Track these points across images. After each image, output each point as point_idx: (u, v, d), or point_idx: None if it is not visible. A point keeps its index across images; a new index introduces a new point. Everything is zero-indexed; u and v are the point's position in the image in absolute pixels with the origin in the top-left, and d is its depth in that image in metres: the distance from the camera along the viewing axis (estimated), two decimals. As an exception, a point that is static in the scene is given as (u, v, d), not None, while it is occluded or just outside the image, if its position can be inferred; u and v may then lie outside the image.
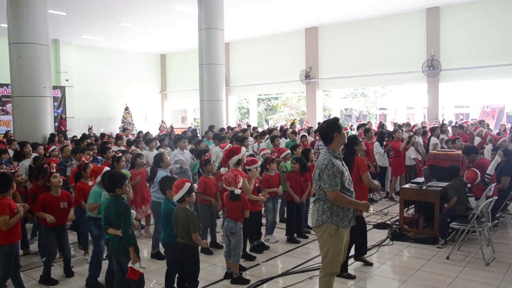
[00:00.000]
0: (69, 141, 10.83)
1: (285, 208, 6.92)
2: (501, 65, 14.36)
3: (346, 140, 4.03)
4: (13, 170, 6.09)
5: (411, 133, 10.30)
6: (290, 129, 11.95)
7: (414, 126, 11.06)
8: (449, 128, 11.56)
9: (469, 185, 6.12)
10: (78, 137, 11.61)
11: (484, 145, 9.80)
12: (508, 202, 7.06)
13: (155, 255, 5.78)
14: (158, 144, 9.39)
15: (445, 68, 15.48)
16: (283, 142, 9.94)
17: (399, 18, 16.62)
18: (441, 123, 12.80)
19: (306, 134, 10.41)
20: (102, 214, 4.25)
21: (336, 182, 3.56)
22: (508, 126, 15.11)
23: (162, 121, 22.61)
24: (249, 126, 14.91)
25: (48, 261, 5.06)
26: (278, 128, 13.34)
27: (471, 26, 15.03)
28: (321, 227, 3.70)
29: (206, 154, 6.50)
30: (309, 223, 7.03)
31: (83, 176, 5.61)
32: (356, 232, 4.68)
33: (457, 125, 12.08)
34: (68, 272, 5.21)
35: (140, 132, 13.43)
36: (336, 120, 3.78)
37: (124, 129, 14.46)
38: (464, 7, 15.17)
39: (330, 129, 3.69)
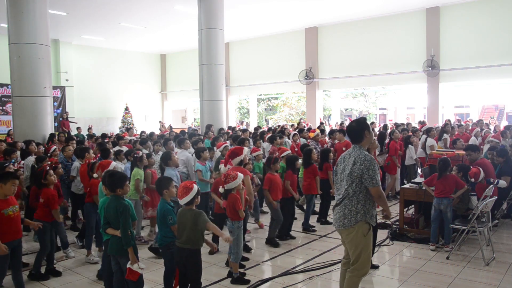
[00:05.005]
0: (73, 142, 10.81)
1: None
2: (501, 65, 14.37)
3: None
4: (17, 168, 6.12)
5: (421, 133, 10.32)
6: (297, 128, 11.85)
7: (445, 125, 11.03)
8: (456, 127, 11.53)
9: (472, 180, 6.11)
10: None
11: (481, 145, 9.76)
12: (509, 202, 7.06)
13: (154, 249, 5.77)
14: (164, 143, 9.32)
15: (445, 68, 15.48)
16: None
17: (399, 18, 16.63)
18: (444, 123, 12.75)
19: (297, 133, 10.38)
20: (101, 214, 4.24)
21: (379, 178, 3.62)
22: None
23: (160, 122, 22.60)
24: (258, 127, 14.55)
25: (41, 256, 5.08)
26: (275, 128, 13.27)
27: (471, 26, 15.04)
28: (353, 228, 3.65)
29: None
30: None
31: (92, 176, 5.71)
32: None
33: (456, 124, 12.09)
34: (54, 272, 5.21)
35: (143, 132, 13.42)
36: (364, 119, 3.93)
37: (128, 129, 14.46)
38: (464, 7, 15.17)
39: (360, 127, 3.77)
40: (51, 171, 5.24)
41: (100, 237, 5.58)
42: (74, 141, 9.60)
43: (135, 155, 6.48)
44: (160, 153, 7.94)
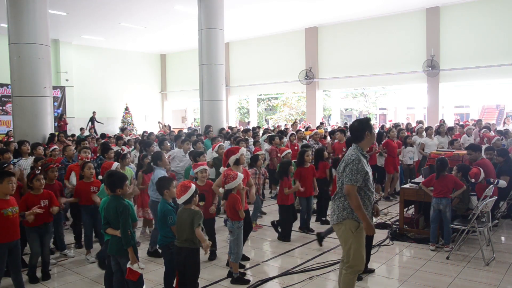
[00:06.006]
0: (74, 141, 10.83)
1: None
2: (501, 65, 14.38)
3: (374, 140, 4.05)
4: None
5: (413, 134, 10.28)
6: (291, 128, 11.90)
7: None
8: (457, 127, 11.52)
9: (473, 180, 6.10)
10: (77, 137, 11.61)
11: (481, 144, 9.74)
12: (509, 202, 7.07)
13: (153, 253, 5.76)
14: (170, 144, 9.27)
15: (445, 68, 15.49)
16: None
17: (399, 18, 16.63)
18: (439, 124, 12.75)
19: (295, 133, 10.36)
20: (101, 214, 4.25)
21: (357, 178, 3.60)
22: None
23: (159, 122, 22.60)
24: (257, 128, 14.46)
25: (31, 260, 5.01)
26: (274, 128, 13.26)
27: (471, 26, 15.04)
28: (341, 223, 3.72)
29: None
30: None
31: (84, 176, 5.65)
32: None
33: (456, 124, 12.08)
34: (45, 275, 5.07)
35: (144, 132, 13.41)
36: (368, 119, 3.90)
37: (123, 129, 14.45)
38: (464, 7, 15.18)
39: (362, 127, 3.78)
40: (40, 176, 5.06)
41: (101, 237, 5.58)
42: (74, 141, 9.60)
43: (119, 152, 6.45)
44: None
